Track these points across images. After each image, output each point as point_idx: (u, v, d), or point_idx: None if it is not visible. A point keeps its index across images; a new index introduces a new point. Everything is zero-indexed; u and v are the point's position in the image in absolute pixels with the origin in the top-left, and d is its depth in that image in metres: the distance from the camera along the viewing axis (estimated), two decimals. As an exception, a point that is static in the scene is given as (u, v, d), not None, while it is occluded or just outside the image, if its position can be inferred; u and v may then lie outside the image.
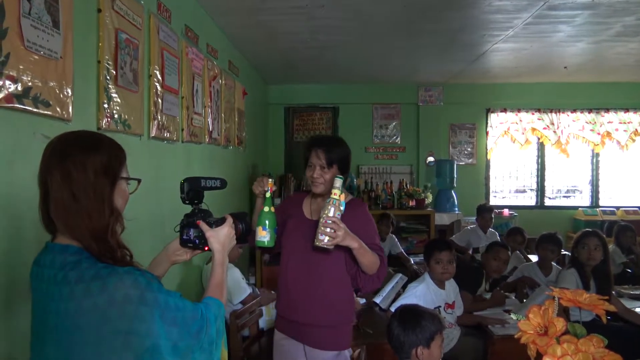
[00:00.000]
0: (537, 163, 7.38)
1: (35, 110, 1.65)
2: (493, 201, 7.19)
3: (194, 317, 1.19)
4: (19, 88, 1.57)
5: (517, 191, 7.52)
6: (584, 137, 7.12)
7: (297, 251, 2.17)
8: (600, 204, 7.30)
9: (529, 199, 7.45)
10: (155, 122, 2.72)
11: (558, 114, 7.10)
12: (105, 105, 2.15)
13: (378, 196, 5.67)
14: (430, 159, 7.14)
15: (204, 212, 1.44)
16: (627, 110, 7.07)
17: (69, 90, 1.85)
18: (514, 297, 3.67)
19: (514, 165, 7.44)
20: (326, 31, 4.38)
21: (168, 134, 2.92)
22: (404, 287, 3.38)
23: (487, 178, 7.33)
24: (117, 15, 2.27)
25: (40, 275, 1.16)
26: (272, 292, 3.89)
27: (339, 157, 2.13)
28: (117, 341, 1.08)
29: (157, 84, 2.74)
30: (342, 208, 1.92)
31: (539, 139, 7.20)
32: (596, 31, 4.39)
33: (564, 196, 7.49)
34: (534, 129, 7.12)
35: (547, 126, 7.11)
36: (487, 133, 7.22)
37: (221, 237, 1.40)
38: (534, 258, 4.38)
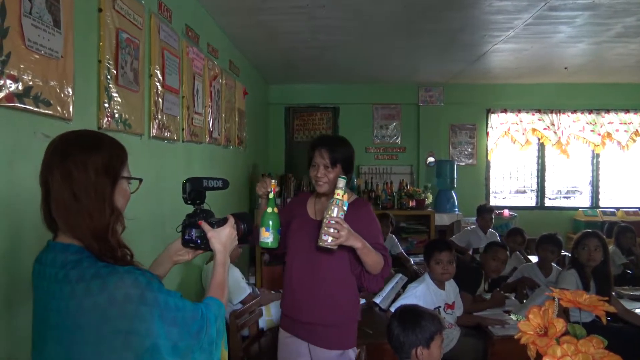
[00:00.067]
0: (538, 164, 7.38)
1: (36, 109, 1.66)
2: (493, 202, 7.19)
3: (194, 317, 1.19)
4: (20, 87, 1.57)
5: (517, 192, 7.52)
6: (584, 138, 7.12)
7: (302, 251, 2.18)
8: (601, 204, 7.31)
9: (529, 200, 7.45)
10: (156, 121, 2.72)
11: (558, 114, 7.10)
12: (106, 105, 2.16)
13: (378, 196, 5.67)
14: (431, 159, 7.14)
15: (205, 212, 1.44)
16: (627, 111, 7.07)
17: (70, 90, 1.85)
18: (513, 298, 3.67)
19: (514, 165, 7.44)
20: (327, 31, 4.38)
21: (168, 134, 2.92)
22: (404, 287, 3.38)
23: (487, 178, 7.33)
24: (118, 14, 2.27)
25: (41, 274, 1.17)
26: (272, 292, 3.89)
27: (343, 157, 2.14)
28: (117, 341, 1.08)
29: (157, 84, 2.75)
30: (345, 208, 1.93)
31: (539, 139, 7.20)
32: (597, 32, 4.39)
33: (564, 197, 7.49)
34: (534, 130, 7.13)
35: (548, 127, 7.11)
36: (487, 133, 7.22)
37: (223, 238, 1.40)
38: (534, 259, 4.38)
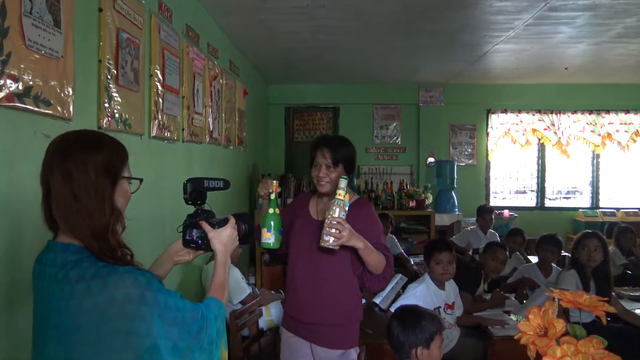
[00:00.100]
0: (538, 164, 7.38)
1: (36, 109, 1.66)
2: (493, 202, 7.19)
3: (194, 317, 1.19)
4: (20, 87, 1.57)
5: (517, 192, 7.52)
6: (584, 138, 7.12)
7: (304, 251, 2.19)
8: (601, 205, 7.30)
9: (529, 200, 7.45)
10: (156, 121, 2.72)
11: (559, 115, 7.10)
12: (106, 105, 2.16)
13: (378, 197, 5.68)
14: (431, 159, 7.14)
15: (206, 212, 1.44)
16: (627, 111, 7.07)
17: (70, 90, 1.85)
18: (513, 298, 3.67)
19: (514, 166, 7.44)
20: (327, 31, 4.38)
21: (169, 134, 2.92)
22: (404, 287, 3.38)
23: (487, 179, 7.33)
24: (118, 14, 2.27)
25: (42, 274, 1.17)
26: (272, 292, 3.89)
27: (345, 157, 2.15)
28: (117, 341, 1.08)
29: (157, 84, 2.75)
30: (346, 208, 1.93)
31: (539, 140, 7.20)
32: (597, 32, 4.40)
33: (564, 197, 7.49)
34: (534, 130, 7.13)
35: (548, 127, 7.11)
36: (487, 134, 7.22)
37: (223, 238, 1.40)
38: (534, 259, 4.38)
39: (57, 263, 1.14)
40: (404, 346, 1.96)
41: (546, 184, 7.37)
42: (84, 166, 1.13)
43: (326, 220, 1.91)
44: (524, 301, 3.53)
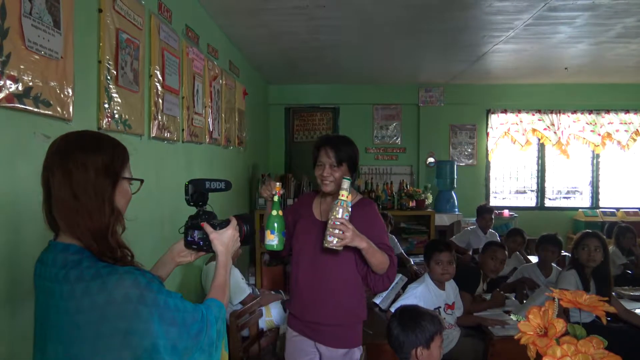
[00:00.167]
0: (538, 164, 7.38)
1: (35, 110, 1.66)
2: (493, 202, 7.19)
3: (194, 318, 1.20)
4: (20, 88, 1.57)
5: (517, 192, 7.52)
6: (584, 138, 7.12)
7: (308, 252, 2.20)
8: (601, 205, 7.30)
9: (529, 200, 7.45)
10: (156, 122, 2.72)
11: (558, 114, 7.10)
12: (106, 105, 2.16)
13: (378, 197, 5.67)
14: (431, 159, 7.14)
15: (208, 214, 1.45)
16: (627, 111, 7.07)
17: (70, 90, 1.85)
18: (513, 298, 3.67)
19: (514, 166, 7.44)
20: (327, 31, 4.38)
21: (168, 134, 2.92)
22: (404, 287, 3.38)
23: (487, 179, 7.33)
24: (118, 15, 2.27)
25: (42, 274, 1.18)
26: (272, 292, 3.90)
27: (348, 156, 2.16)
28: (116, 340, 1.09)
29: (157, 84, 2.75)
30: (350, 209, 1.95)
31: (539, 139, 7.20)
32: (597, 32, 4.40)
33: (564, 197, 7.49)
34: (534, 130, 7.13)
35: (548, 127, 7.11)
36: (487, 134, 7.22)
37: (225, 239, 1.41)
38: (534, 259, 4.38)
39: (58, 263, 1.14)
40: (404, 346, 1.95)
41: (546, 184, 7.37)
42: (84, 166, 1.14)
43: (329, 221, 1.93)
44: (524, 301, 3.53)
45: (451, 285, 3.13)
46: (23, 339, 1.57)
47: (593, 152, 7.23)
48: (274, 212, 2.00)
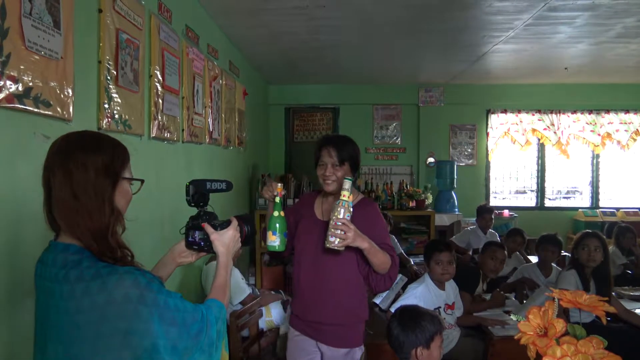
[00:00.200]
0: (537, 164, 7.38)
1: (35, 110, 1.66)
2: (493, 202, 7.19)
3: (195, 318, 1.20)
4: (20, 88, 1.57)
5: (517, 192, 7.52)
6: (584, 138, 7.12)
7: (309, 252, 2.21)
8: (601, 205, 7.30)
9: (529, 200, 7.45)
10: (156, 122, 2.72)
11: (558, 114, 7.10)
12: (106, 106, 2.16)
13: (378, 197, 5.67)
14: (431, 159, 7.14)
15: (209, 214, 1.45)
16: (627, 111, 7.07)
17: (70, 91, 1.85)
18: (514, 298, 3.67)
19: (514, 166, 7.44)
20: (327, 31, 4.38)
21: (168, 134, 2.92)
22: (404, 287, 3.38)
23: (487, 179, 7.33)
24: (118, 15, 2.27)
25: (43, 274, 1.18)
26: (272, 292, 3.89)
27: (350, 155, 2.17)
28: (116, 340, 1.09)
29: (157, 84, 2.75)
30: (351, 209, 1.95)
31: (539, 139, 7.20)
32: (596, 32, 4.40)
33: (564, 197, 7.49)
34: (534, 130, 7.12)
35: (548, 127, 7.11)
36: (487, 134, 7.22)
37: (226, 240, 1.41)
38: (534, 259, 4.38)
39: (58, 263, 1.14)
40: (404, 346, 1.96)
41: (546, 184, 7.37)
42: (84, 166, 1.14)
43: (331, 222, 1.94)
44: (524, 301, 3.53)
45: (451, 286, 3.13)
46: (23, 339, 1.57)
47: (593, 152, 7.23)
48: (276, 213, 2.01)
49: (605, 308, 1.13)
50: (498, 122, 7.19)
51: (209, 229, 1.40)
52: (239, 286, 3.33)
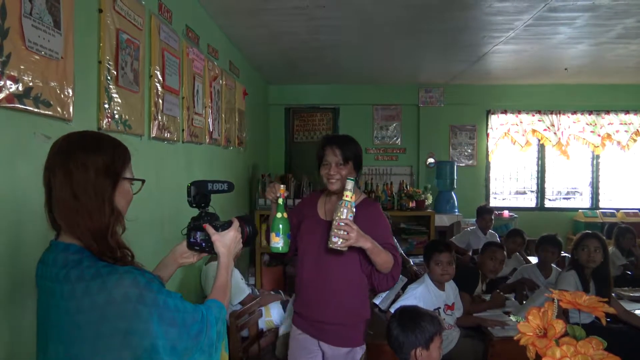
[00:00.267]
0: (538, 165, 7.38)
1: (36, 110, 1.66)
2: (493, 203, 7.19)
3: (194, 318, 1.20)
4: (20, 88, 1.57)
5: (517, 193, 7.52)
6: (584, 139, 7.12)
7: (312, 252, 2.22)
8: (601, 206, 7.30)
9: (529, 201, 7.45)
10: (156, 122, 2.72)
11: (558, 115, 7.10)
12: (106, 106, 2.16)
13: (378, 197, 5.67)
14: (431, 160, 7.14)
15: (210, 215, 1.45)
16: (627, 112, 7.08)
17: (70, 91, 1.85)
18: (513, 299, 3.67)
19: (514, 166, 7.44)
20: (327, 31, 4.38)
21: (169, 135, 2.92)
22: (404, 288, 3.38)
23: (487, 179, 7.33)
24: (118, 15, 2.27)
25: (44, 274, 1.18)
26: (272, 292, 3.89)
27: (354, 154, 2.18)
28: (116, 340, 1.09)
29: (157, 85, 2.75)
30: (354, 209, 1.96)
31: (539, 140, 7.20)
32: (597, 33, 4.40)
33: (564, 198, 7.49)
34: (534, 131, 7.13)
35: (548, 128, 7.11)
36: (487, 134, 7.22)
37: (227, 241, 1.41)
38: (533, 260, 4.38)
39: (58, 263, 1.15)
40: (404, 347, 1.96)
41: (546, 185, 7.37)
42: (85, 166, 1.14)
43: (334, 222, 1.94)
44: (524, 302, 3.53)
45: (451, 286, 3.13)
46: (24, 339, 1.57)
47: (593, 152, 7.23)
48: (279, 215, 2.02)
49: (604, 309, 1.13)
50: (498, 123, 7.19)
51: (210, 229, 1.40)
52: (239, 286, 3.33)
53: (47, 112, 1.72)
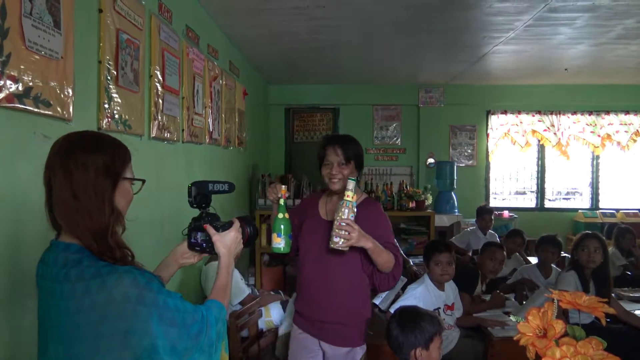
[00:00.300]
0: (537, 165, 7.38)
1: (35, 110, 1.66)
2: (493, 203, 7.20)
3: (194, 318, 1.20)
4: (20, 88, 1.57)
5: (517, 193, 7.52)
6: (584, 139, 7.12)
7: (313, 252, 2.23)
8: (600, 206, 7.30)
9: (529, 201, 7.45)
10: (156, 122, 2.72)
11: (558, 115, 7.10)
12: (106, 106, 2.16)
13: (378, 197, 5.67)
14: (431, 160, 7.14)
15: (211, 216, 1.45)
16: (627, 112, 7.08)
17: (70, 90, 1.85)
18: (513, 299, 3.67)
19: (514, 167, 7.44)
20: (327, 31, 4.38)
21: (168, 135, 2.92)
22: (404, 288, 3.37)
23: (487, 180, 7.33)
24: (118, 15, 2.27)
25: (44, 274, 1.18)
26: (272, 292, 3.89)
27: (355, 154, 2.19)
28: (116, 339, 1.09)
29: (157, 85, 2.75)
30: (355, 209, 1.96)
31: (539, 140, 7.20)
32: (597, 34, 4.40)
33: (564, 198, 7.49)
34: (534, 131, 7.13)
35: (548, 128, 7.11)
36: (487, 135, 7.22)
37: (227, 241, 1.42)
38: (533, 260, 4.38)
39: (59, 262, 1.15)
40: (403, 347, 1.96)
41: (546, 185, 7.37)
42: (85, 166, 1.14)
43: (335, 222, 1.95)
44: (524, 302, 3.53)
45: (451, 286, 3.13)
46: (24, 339, 1.57)
47: (593, 153, 7.24)
48: (280, 215, 2.02)
49: (604, 309, 1.13)
50: (498, 123, 7.19)
51: (210, 230, 1.40)
52: (239, 286, 3.32)
53: (47, 112, 1.72)
